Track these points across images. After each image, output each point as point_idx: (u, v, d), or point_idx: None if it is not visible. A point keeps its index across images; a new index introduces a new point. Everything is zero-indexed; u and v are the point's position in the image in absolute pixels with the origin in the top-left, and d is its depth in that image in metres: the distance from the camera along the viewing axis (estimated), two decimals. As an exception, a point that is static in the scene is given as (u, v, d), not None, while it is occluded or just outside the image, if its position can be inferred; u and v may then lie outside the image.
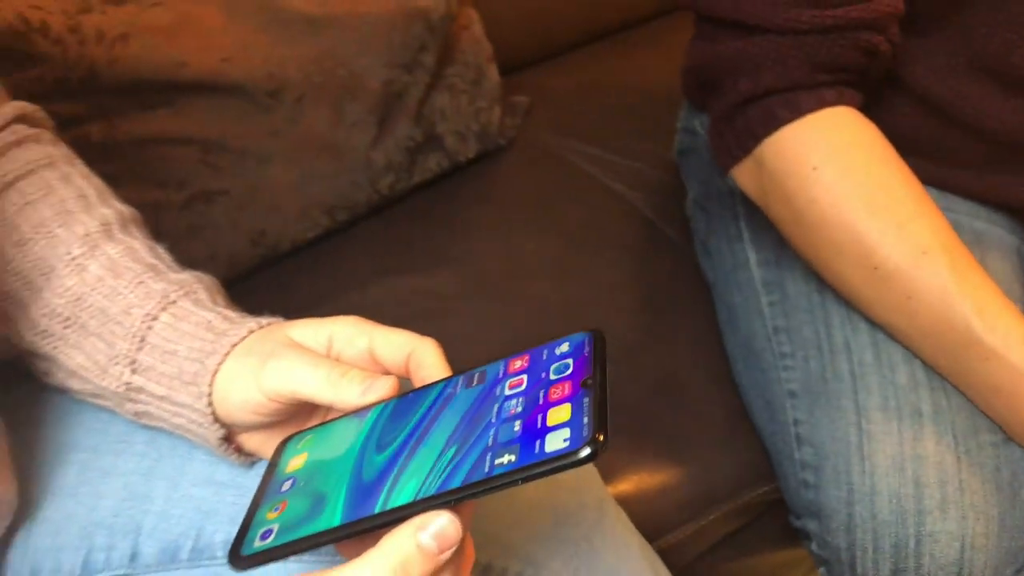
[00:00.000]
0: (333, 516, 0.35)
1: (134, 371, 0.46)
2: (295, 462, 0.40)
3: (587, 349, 0.36)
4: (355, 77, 0.87)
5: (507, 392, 0.36)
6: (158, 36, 0.78)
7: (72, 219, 0.49)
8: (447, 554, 0.32)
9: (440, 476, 0.34)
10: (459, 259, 0.89)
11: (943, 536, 0.56)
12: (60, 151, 0.54)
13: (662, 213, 0.96)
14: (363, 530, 0.34)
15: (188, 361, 0.45)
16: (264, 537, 0.36)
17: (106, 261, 0.48)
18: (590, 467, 0.56)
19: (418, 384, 0.41)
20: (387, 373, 0.41)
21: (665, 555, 0.63)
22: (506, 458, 0.33)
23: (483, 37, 1.01)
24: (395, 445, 0.37)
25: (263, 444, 0.47)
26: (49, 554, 0.49)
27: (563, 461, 0.32)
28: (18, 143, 0.52)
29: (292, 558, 0.41)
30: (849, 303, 0.65)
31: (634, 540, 0.55)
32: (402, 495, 0.34)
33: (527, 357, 0.38)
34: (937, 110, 0.66)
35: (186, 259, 0.52)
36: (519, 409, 0.35)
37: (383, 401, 0.40)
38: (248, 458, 0.48)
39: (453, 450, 0.35)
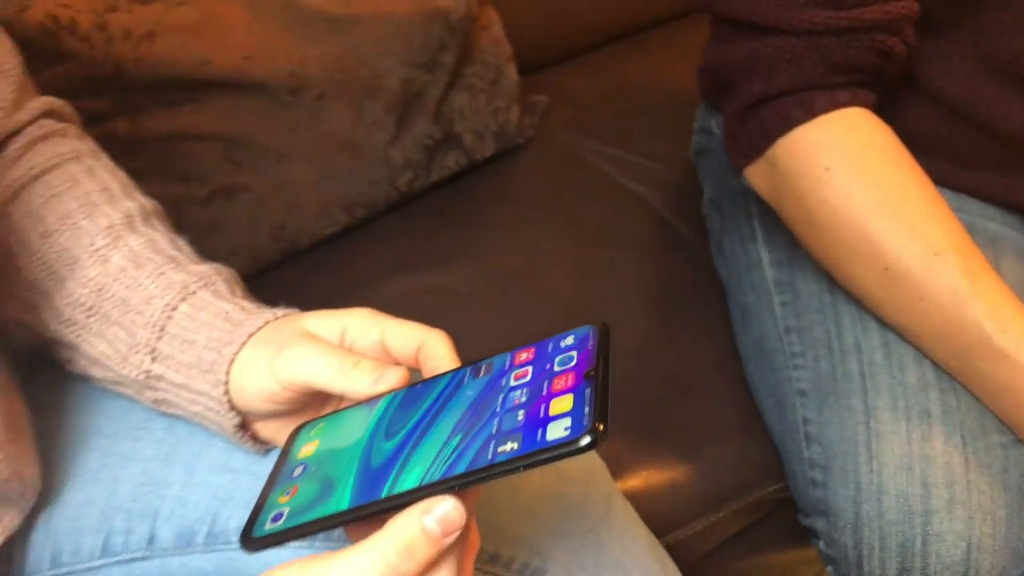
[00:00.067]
0: (341, 500, 0.36)
1: (154, 359, 0.48)
2: (307, 449, 0.41)
3: (591, 342, 0.37)
4: (375, 76, 0.88)
5: (512, 383, 0.37)
6: (183, 34, 0.80)
7: (96, 211, 0.51)
8: (451, 538, 0.33)
9: (445, 463, 0.34)
10: (475, 256, 0.90)
11: (949, 536, 0.56)
12: (86, 145, 0.56)
13: (678, 213, 0.97)
14: (370, 514, 0.35)
15: (206, 350, 0.46)
16: (275, 520, 0.37)
17: (128, 252, 0.50)
18: (598, 461, 0.57)
19: (427, 375, 0.41)
20: (398, 364, 0.42)
21: (674, 551, 0.63)
22: (509, 446, 0.33)
23: (503, 37, 1.02)
24: (403, 433, 0.38)
25: (277, 432, 0.48)
26: (70, 536, 0.50)
27: (564, 449, 0.32)
28: (45, 137, 0.54)
29: (302, 541, 0.43)
30: (860, 304, 0.65)
31: (641, 534, 0.56)
32: (408, 480, 0.35)
33: (533, 349, 0.39)
34: (952, 111, 0.66)
35: (208, 253, 0.53)
36: (523, 399, 0.36)
37: (393, 391, 0.41)
38: (263, 446, 0.49)
39: (458, 438, 0.35)
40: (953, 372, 0.60)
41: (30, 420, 0.50)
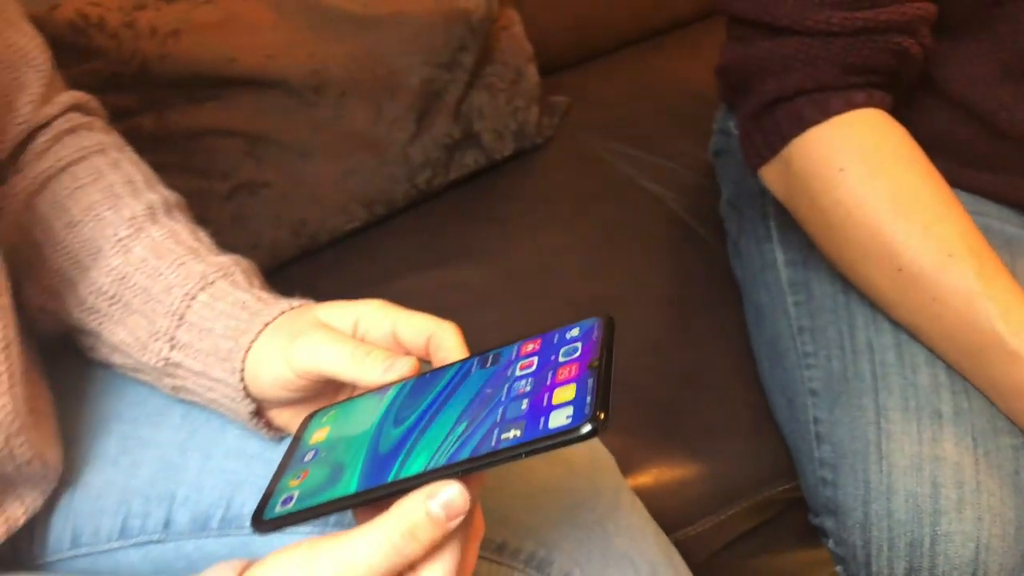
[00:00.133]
0: (349, 484, 0.37)
1: (173, 347, 0.49)
2: (318, 435, 0.42)
3: (596, 333, 0.38)
4: (396, 75, 0.90)
5: (518, 373, 0.38)
6: (208, 32, 0.82)
7: (120, 203, 0.52)
8: (455, 522, 0.34)
9: (450, 449, 0.35)
10: (492, 254, 0.91)
11: (958, 537, 0.56)
12: (111, 139, 0.57)
13: (696, 213, 0.97)
14: (377, 498, 0.36)
15: (223, 339, 0.47)
16: (285, 503, 0.38)
17: (150, 243, 0.51)
18: (606, 454, 0.57)
19: (437, 365, 0.42)
20: (408, 354, 0.43)
21: (683, 548, 0.64)
22: (512, 433, 0.34)
23: (523, 38, 1.02)
24: (411, 420, 0.39)
25: (291, 419, 0.49)
26: (90, 518, 0.52)
27: (565, 437, 0.33)
28: (72, 130, 0.56)
29: (312, 524, 0.44)
30: (873, 304, 0.65)
31: (649, 528, 0.56)
32: (414, 466, 0.36)
33: (539, 341, 0.40)
34: (970, 113, 0.66)
35: (230, 247, 0.54)
36: (528, 388, 0.36)
37: (403, 380, 0.42)
38: (277, 433, 0.50)
39: (464, 425, 0.36)
40: (966, 373, 0.60)
41: (53, 405, 0.52)
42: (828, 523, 0.64)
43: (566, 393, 0.35)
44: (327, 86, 0.87)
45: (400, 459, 0.36)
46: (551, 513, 0.53)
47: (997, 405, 0.60)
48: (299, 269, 0.90)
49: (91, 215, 0.52)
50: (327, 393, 0.47)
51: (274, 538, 0.44)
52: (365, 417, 0.41)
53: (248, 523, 0.50)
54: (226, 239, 0.55)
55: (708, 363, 0.80)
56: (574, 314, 0.40)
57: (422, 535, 0.33)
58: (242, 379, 0.47)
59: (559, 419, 0.34)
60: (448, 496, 0.33)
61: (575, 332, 0.39)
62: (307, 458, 0.41)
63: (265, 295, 0.49)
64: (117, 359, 0.51)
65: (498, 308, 0.84)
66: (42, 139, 0.54)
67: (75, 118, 0.56)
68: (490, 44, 0.98)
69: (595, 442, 0.57)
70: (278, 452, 0.51)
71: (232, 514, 0.51)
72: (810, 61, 0.59)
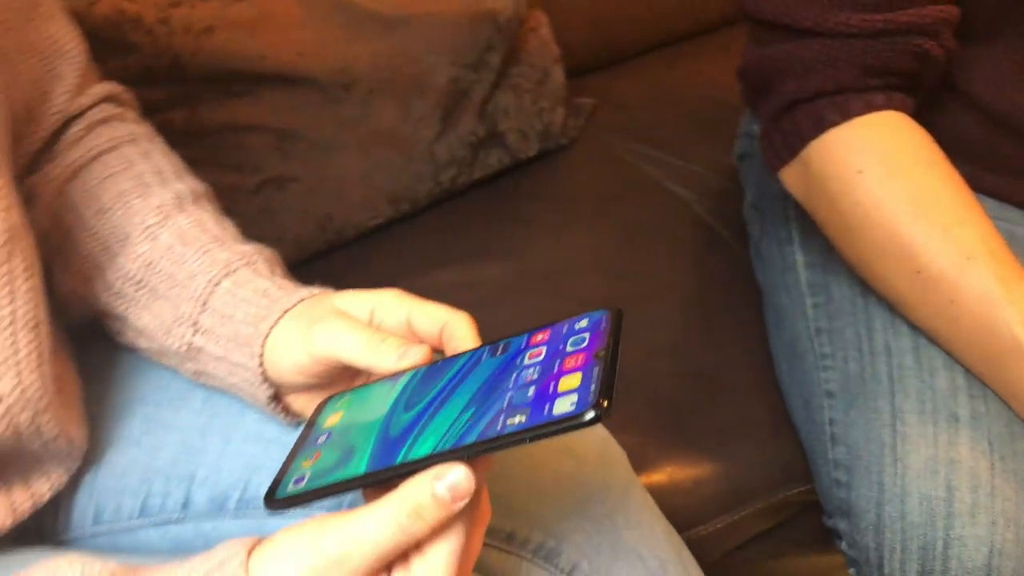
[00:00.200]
0: (359, 466, 0.38)
1: (196, 332, 0.50)
2: (332, 419, 0.43)
3: (604, 325, 0.38)
4: (423, 74, 0.91)
5: (527, 361, 0.39)
6: (241, 30, 0.83)
7: (149, 191, 0.54)
8: (460, 504, 0.34)
9: (457, 433, 0.36)
10: (514, 252, 0.91)
11: (971, 541, 0.56)
12: (142, 129, 0.59)
13: (719, 216, 0.97)
14: (385, 479, 0.37)
15: (244, 324, 0.49)
16: (297, 483, 0.39)
17: (177, 231, 0.52)
18: (618, 449, 0.58)
19: (450, 354, 0.43)
20: (423, 343, 0.44)
21: (696, 547, 0.64)
22: (517, 418, 0.35)
23: (551, 39, 1.03)
24: (421, 405, 0.39)
25: (307, 405, 0.50)
26: (112, 496, 0.53)
27: (568, 423, 0.34)
28: (104, 120, 0.57)
29: (323, 503, 0.45)
30: (892, 307, 0.65)
31: (659, 524, 0.57)
32: (422, 449, 0.36)
33: (549, 331, 0.40)
34: (993, 118, 0.66)
35: (256, 240, 0.55)
36: (535, 376, 0.37)
37: (416, 367, 0.43)
38: (294, 418, 0.51)
39: (471, 411, 0.37)
40: (984, 377, 0.60)
41: (80, 386, 0.53)
42: (841, 525, 0.64)
43: (571, 381, 0.36)
44: (355, 84, 0.88)
45: (409, 442, 0.37)
46: (561, 505, 0.54)
47: (1015, 410, 0.59)
48: (324, 263, 0.91)
49: (121, 203, 0.53)
50: (343, 379, 0.48)
51: (287, 518, 0.45)
52: (378, 403, 0.42)
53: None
54: (253, 232, 0.56)
55: (727, 365, 0.80)
56: (592, 311, 0.40)
57: (427, 515, 0.34)
58: (261, 364, 0.48)
59: (563, 406, 0.34)
60: (454, 478, 0.34)
61: (584, 323, 0.39)
62: (320, 441, 0.42)
63: (286, 283, 0.51)
64: (142, 343, 0.53)
65: (516, 306, 0.85)
66: (76, 128, 0.56)
67: (108, 109, 0.58)
68: (517, 45, 0.99)
69: (607, 437, 0.58)
70: (295, 437, 0.52)
71: (249, 496, 0.52)
72: (830, 63, 0.59)
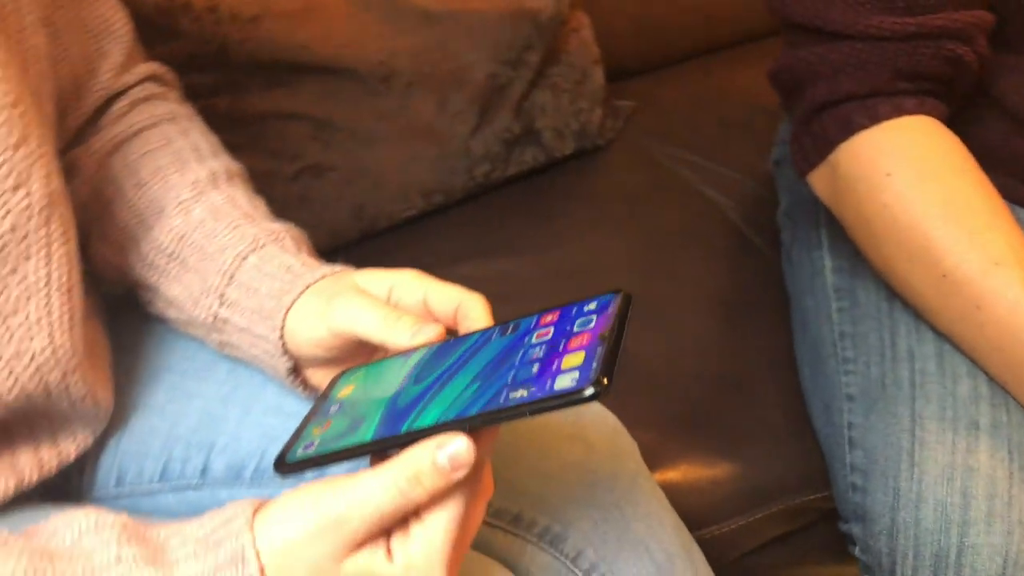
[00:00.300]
0: (366, 434, 0.39)
1: (222, 304, 0.52)
2: (345, 391, 0.45)
3: (612, 307, 0.39)
4: (462, 69, 0.92)
5: (534, 340, 0.39)
6: (286, 20, 0.85)
7: (185, 168, 0.56)
8: (459, 474, 0.35)
9: (461, 405, 0.37)
10: (544, 249, 0.92)
11: (985, 549, 0.55)
12: (183, 109, 0.61)
13: (752, 223, 0.97)
14: (389, 447, 0.38)
15: (268, 298, 0.50)
16: (307, 448, 0.41)
17: (209, 206, 0.54)
18: (629, 440, 0.58)
19: (463, 333, 0.44)
20: (437, 322, 0.45)
21: (710, 546, 0.64)
22: (519, 393, 0.36)
23: (591, 41, 1.04)
24: (430, 379, 0.40)
25: (325, 379, 0.51)
26: (135, 460, 0.55)
27: (568, 398, 0.34)
28: (147, 99, 0.59)
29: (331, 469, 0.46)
30: (917, 311, 0.64)
31: (668, 518, 0.57)
32: (427, 419, 0.37)
33: (558, 312, 0.41)
34: (1026, 127, 0.65)
35: (292, 226, 0.56)
36: (541, 354, 0.38)
37: (429, 344, 0.44)
38: (312, 391, 0.53)
39: (476, 385, 0.38)
40: (1007, 385, 0.59)
41: (110, 352, 0.55)
42: (856, 529, 0.64)
43: (575, 359, 0.36)
44: (395, 77, 0.90)
45: (415, 413, 0.38)
46: (569, 491, 0.54)
47: (1038, 421, 0.59)
48: (356, 250, 0.93)
49: (158, 177, 0.55)
50: (360, 355, 0.49)
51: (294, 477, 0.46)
52: (390, 376, 0.43)
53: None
54: (289, 218, 0.57)
55: (750, 369, 0.80)
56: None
57: (427, 482, 0.35)
58: (282, 336, 0.49)
59: (565, 382, 0.35)
60: (455, 448, 0.35)
61: (592, 306, 0.40)
62: (332, 410, 0.43)
63: (310, 260, 0.52)
64: (172, 313, 0.55)
65: (541, 302, 0.84)
66: (119, 105, 0.58)
67: (151, 88, 0.60)
68: (557, 45, 1.00)
69: (619, 428, 0.58)
70: (311, 409, 0.53)
71: (265, 465, 0.53)
72: (861, 66, 0.59)
